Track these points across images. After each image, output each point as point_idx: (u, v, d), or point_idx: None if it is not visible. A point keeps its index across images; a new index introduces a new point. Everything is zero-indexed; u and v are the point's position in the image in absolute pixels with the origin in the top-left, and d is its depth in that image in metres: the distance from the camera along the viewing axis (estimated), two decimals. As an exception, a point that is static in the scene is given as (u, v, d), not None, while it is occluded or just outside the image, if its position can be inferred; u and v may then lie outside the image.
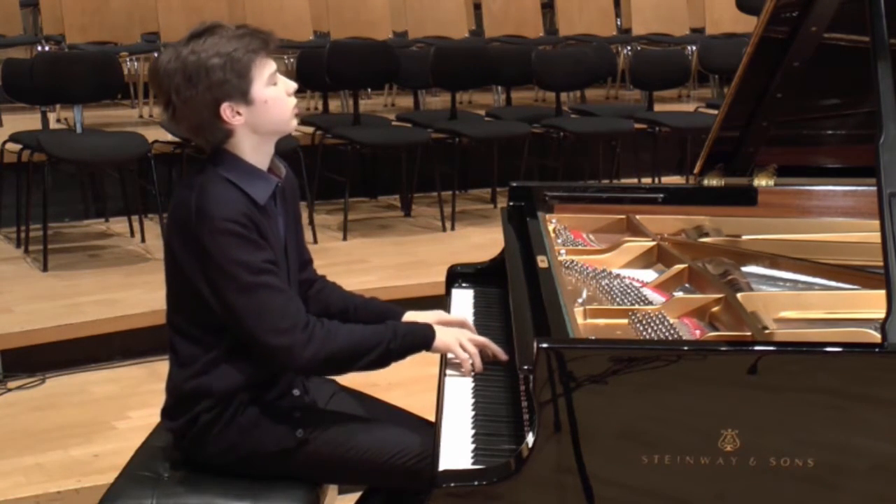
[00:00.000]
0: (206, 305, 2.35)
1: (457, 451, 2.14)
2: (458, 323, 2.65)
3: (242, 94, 2.33)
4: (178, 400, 2.47)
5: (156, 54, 7.12)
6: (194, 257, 2.32)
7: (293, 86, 2.42)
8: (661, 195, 3.20)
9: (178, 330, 2.44)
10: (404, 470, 2.43)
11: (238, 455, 2.43)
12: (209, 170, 2.39)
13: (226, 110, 2.33)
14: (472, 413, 2.30)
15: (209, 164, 2.40)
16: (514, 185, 3.25)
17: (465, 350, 2.49)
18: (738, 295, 2.40)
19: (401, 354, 2.45)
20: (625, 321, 2.40)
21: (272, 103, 2.36)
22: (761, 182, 3.15)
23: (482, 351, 2.52)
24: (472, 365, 2.49)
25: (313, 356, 2.33)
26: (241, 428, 2.41)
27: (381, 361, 2.43)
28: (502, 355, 2.51)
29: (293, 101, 2.42)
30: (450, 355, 2.53)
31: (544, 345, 1.94)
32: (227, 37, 2.33)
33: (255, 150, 2.41)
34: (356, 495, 2.83)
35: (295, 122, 2.45)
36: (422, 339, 2.47)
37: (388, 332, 2.43)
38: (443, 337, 2.49)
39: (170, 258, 2.41)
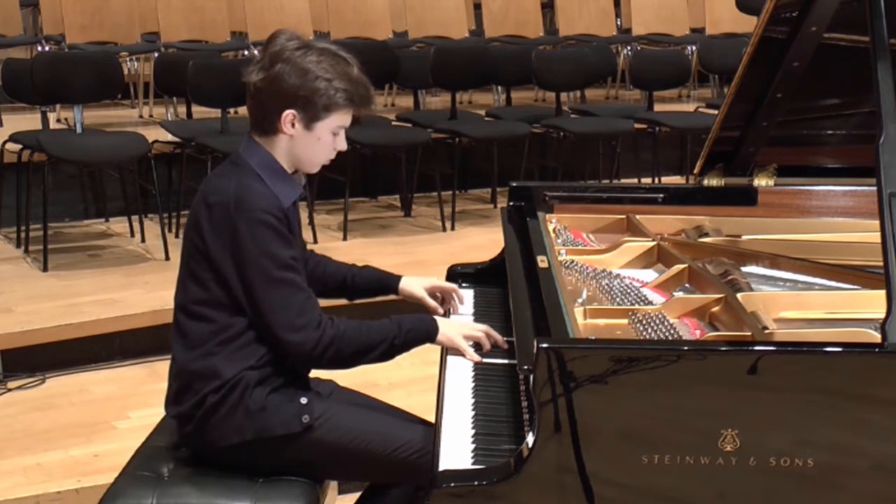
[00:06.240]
0: (225, 288, 2.42)
1: (457, 451, 2.14)
2: (449, 289, 2.86)
3: (310, 119, 2.46)
4: (184, 382, 2.49)
5: (156, 54, 7.12)
6: (225, 244, 2.41)
7: (343, 147, 2.55)
8: (661, 195, 3.21)
9: (190, 312, 2.48)
10: (406, 464, 2.46)
11: (243, 439, 2.44)
12: (244, 164, 2.49)
13: (288, 116, 2.44)
14: (472, 413, 2.30)
15: (245, 158, 2.50)
16: (514, 185, 3.25)
17: (469, 340, 2.56)
18: (738, 295, 2.40)
19: (405, 348, 2.54)
20: (625, 321, 2.40)
21: (318, 145, 2.50)
22: (761, 182, 3.16)
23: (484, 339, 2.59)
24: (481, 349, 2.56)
25: (322, 353, 2.42)
26: (248, 411, 2.44)
27: (386, 356, 2.52)
28: (503, 343, 2.57)
29: (332, 155, 2.56)
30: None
31: (544, 345, 1.94)
32: (349, 75, 2.46)
33: (284, 157, 2.52)
34: (356, 495, 2.84)
35: (316, 170, 2.58)
36: (425, 334, 2.55)
37: (392, 328, 2.51)
38: (445, 331, 2.56)
39: (195, 238, 2.46)
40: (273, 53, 2.44)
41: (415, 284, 2.85)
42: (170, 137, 6.11)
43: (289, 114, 2.44)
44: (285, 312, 2.39)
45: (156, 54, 7.15)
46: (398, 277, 2.87)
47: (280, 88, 2.42)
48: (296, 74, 2.42)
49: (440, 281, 2.93)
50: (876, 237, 2.10)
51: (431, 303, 2.84)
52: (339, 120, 2.49)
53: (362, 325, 2.50)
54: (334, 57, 2.47)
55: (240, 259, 2.39)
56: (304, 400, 2.48)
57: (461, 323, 2.67)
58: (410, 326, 2.53)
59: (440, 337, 2.55)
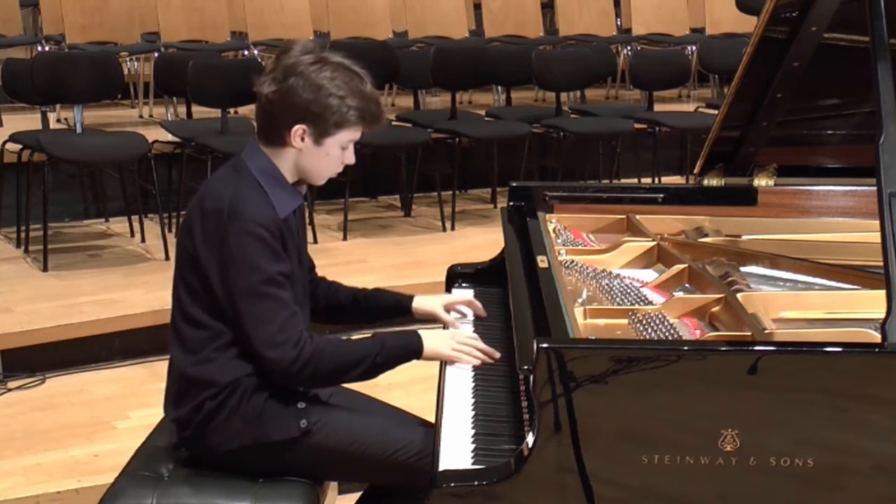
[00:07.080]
0: (212, 294, 2.41)
1: (457, 451, 2.14)
2: (464, 303, 2.83)
3: (320, 134, 2.43)
4: (182, 387, 2.49)
5: (156, 54, 7.12)
6: (214, 250, 2.39)
7: (351, 161, 2.52)
8: (661, 195, 3.20)
9: (185, 316, 2.47)
10: (405, 467, 2.46)
11: (241, 444, 2.44)
12: (245, 170, 2.46)
13: (298, 130, 2.42)
14: (472, 413, 2.30)
15: (246, 163, 2.47)
16: (514, 185, 3.25)
17: (458, 351, 2.53)
18: (738, 295, 2.40)
19: (388, 366, 2.50)
20: (625, 321, 2.40)
21: (326, 160, 2.48)
22: (761, 182, 3.15)
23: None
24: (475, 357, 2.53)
25: (299, 371, 2.39)
26: (246, 417, 2.43)
27: (368, 375, 2.49)
28: (493, 355, 2.54)
29: (339, 169, 2.52)
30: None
31: (544, 345, 1.94)
32: (362, 92, 2.44)
33: (290, 169, 2.49)
34: (356, 495, 2.84)
35: (322, 182, 2.55)
36: (410, 351, 2.52)
37: (375, 346, 2.48)
38: (431, 346, 2.53)
39: (187, 243, 2.45)
40: (287, 66, 2.41)
41: (429, 302, 2.80)
42: (170, 137, 6.11)
43: (299, 128, 2.42)
44: (266, 327, 2.37)
45: (156, 54, 7.15)
46: (411, 297, 2.82)
47: (292, 102, 2.40)
48: (309, 90, 2.39)
49: (455, 296, 2.89)
50: (876, 237, 2.10)
51: (447, 317, 2.79)
52: (349, 135, 2.46)
53: (344, 343, 2.48)
54: (348, 73, 2.44)
55: (225, 268, 2.38)
56: (301, 405, 2.47)
57: (450, 333, 2.63)
58: (394, 344, 2.50)
59: (426, 352, 2.51)
